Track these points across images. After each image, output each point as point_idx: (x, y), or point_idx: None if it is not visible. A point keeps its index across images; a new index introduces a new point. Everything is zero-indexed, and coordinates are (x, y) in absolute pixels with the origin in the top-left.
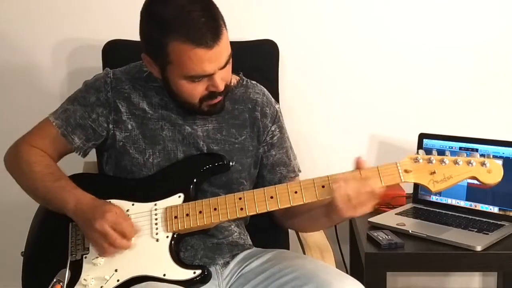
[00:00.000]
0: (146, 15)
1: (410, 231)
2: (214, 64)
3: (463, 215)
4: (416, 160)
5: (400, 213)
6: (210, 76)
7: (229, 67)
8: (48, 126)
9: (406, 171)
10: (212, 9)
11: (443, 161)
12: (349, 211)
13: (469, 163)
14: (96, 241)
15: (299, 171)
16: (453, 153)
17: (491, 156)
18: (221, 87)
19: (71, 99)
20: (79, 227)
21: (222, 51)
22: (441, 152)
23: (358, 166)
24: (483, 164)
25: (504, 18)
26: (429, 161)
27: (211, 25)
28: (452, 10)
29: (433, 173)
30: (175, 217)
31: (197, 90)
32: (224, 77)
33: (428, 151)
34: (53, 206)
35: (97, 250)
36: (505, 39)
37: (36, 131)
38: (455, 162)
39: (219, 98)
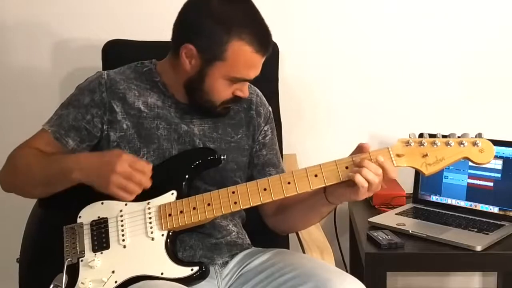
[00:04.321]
0: (206, 8)
1: (410, 231)
2: (257, 71)
3: (463, 215)
4: (407, 143)
5: (400, 213)
6: (246, 81)
7: None
8: (43, 134)
9: (398, 155)
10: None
11: (434, 143)
12: (366, 194)
13: (460, 143)
14: (120, 184)
15: None
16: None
17: (482, 135)
18: (247, 94)
19: (65, 104)
20: (94, 183)
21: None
22: (432, 136)
23: (364, 150)
24: (474, 144)
25: (504, 18)
26: (421, 143)
27: (269, 33)
28: (452, 10)
29: (425, 155)
30: (169, 214)
31: (227, 92)
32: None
33: (419, 136)
34: (57, 180)
35: (122, 195)
36: (505, 39)
37: (30, 139)
38: (447, 144)
39: (233, 104)
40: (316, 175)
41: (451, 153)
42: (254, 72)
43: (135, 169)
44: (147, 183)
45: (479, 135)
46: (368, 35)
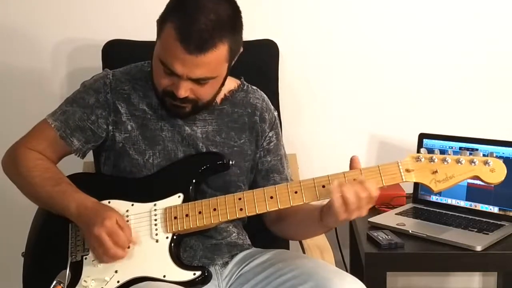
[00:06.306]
0: None
1: (410, 231)
2: (185, 69)
3: (463, 215)
4: (417, 159)
5: (400, 213)
6: (178, 76)
7: (208, 88)
8: (46, 128)
9: (407, 170)
10: (224, 28)
11: (445, 160)
12: (344, 214)
13: (471, 162)
14: (93, 247)
15: (291, 180)
16: (455, 152)
17: (494, 155)
18: (180, 93)
19: (70, 100)
20: (81, 230)
21: (201, 66)
22: (442, 152)
23: (354, 165)
24: (486, 163)
25: (504, 18)
26: (431, 160)
27: (205, 37)
28: (452, 10)
29: (435, 172)
30: (175, 217)
31: (163, 79)
32: (196, 91)
33: (429, 151)
34: (55, 210)
35: (94, 255)
36: (505, 39)
37: (34, 133)
38: (458, 161)
39: (179, 103)
40: (323, 186)
41: (461, 171)
42: (180, 66)
43: (111, 238)
44: (117, 256)
45: (491, 154)
46: (368, 34)
